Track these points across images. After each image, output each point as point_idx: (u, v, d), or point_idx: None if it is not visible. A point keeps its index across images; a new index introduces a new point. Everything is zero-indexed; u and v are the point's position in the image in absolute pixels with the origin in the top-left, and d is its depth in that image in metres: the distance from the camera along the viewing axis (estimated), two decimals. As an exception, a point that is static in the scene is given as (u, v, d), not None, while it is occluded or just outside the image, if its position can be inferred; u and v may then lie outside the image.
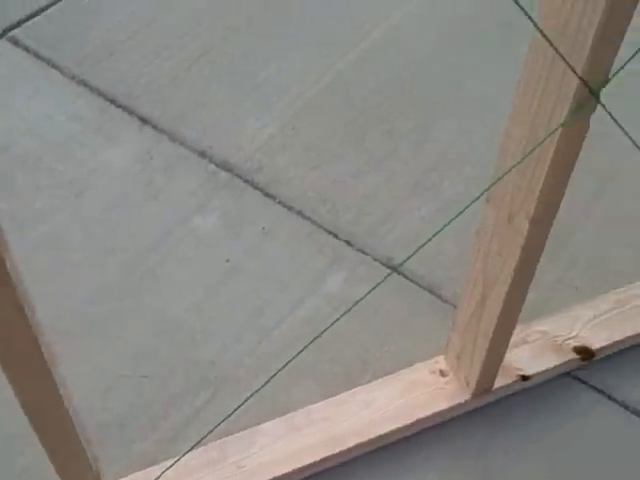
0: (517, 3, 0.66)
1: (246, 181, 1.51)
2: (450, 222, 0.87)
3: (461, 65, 1.74)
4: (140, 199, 1.47)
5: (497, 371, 1.21)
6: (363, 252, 1.43)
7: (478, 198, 0.91)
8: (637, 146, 0.88)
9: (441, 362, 1.26)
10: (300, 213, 1.47)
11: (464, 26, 1.82)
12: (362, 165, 1.56)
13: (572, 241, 1.47)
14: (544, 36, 0.70)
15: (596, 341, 1.32)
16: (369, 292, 0.94)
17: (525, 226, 0.90)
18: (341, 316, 0.95)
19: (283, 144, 1.57)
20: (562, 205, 1.49)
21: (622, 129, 0.84)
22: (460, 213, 0.85)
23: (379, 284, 0.95)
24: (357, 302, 0.96)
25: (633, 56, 0.79)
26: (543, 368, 1.28)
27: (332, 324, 0.95)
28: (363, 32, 1.80)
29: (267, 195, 1.49)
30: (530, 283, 1.02)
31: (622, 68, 0.77)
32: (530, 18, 0.67)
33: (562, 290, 1.42)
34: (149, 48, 1.73)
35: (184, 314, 1.34)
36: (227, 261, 1.40)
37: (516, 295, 1.03)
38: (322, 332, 0.95)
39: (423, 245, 0.89)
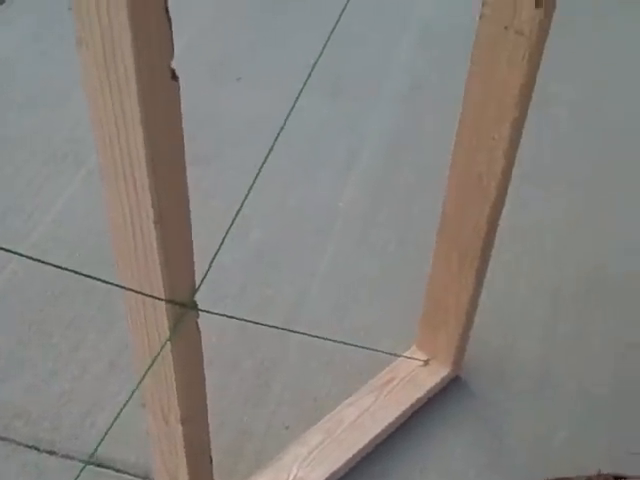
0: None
1: None
2: (126, 404, 0.85)
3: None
4: None
5: None
6: (68, 457, 1.38)
7: (128, 401, 0.90)
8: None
9: None
10: (-6, 435, 1.40)
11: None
12: (52, 364, 1.52)
13: (274, 382, 1.52)
14: (128, 289, 0.72)
15: (315, 478, 1.35)
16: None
17: (179, 427, 0.91)
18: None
19: (-38, 367, 1.50)
20: (259, 348, 1.55)
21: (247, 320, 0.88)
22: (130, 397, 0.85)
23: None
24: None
25: (217, 253, 0.83)
26: (269, 523, 1.29)
27: None
28: (33, 222, 1.78)
29: (-47, 427, 1.41)
30: (211, 471, 1.03)
31: (207, 274, 0.81)
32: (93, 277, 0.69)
33: (275, 433, 1.45)
34: None
35: None
36: None
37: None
38: None
39: (104, 437, 0.88)
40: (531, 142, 1.98)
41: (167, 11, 0.54)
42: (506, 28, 0.99)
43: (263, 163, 0.83)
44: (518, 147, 1.12)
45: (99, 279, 0.71)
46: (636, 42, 2.44)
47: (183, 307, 0.77)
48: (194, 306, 0.79)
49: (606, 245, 1.81)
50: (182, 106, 0.63)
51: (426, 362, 1.51)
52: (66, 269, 0.67)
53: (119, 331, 1.57)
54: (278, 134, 0.81)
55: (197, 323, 0.81)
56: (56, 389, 1.48)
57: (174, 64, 0.58)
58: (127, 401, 0.85)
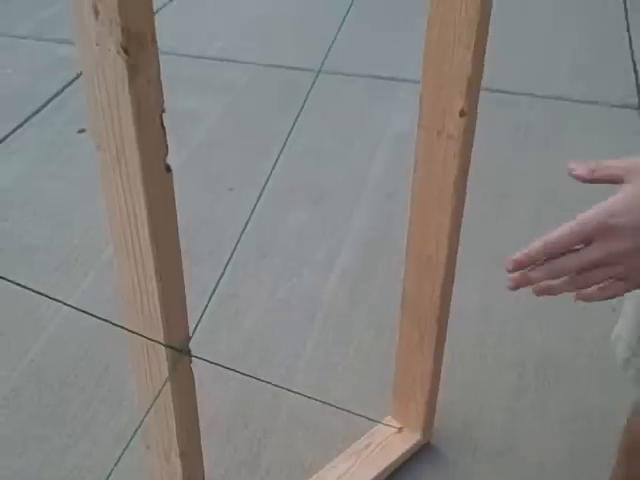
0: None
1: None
2: (131, 440, 1.04)
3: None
4: None
5: None
6: (81, 521, 1.55)
7: (133, 436, 1.09)
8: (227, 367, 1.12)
9: None
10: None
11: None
12: (66, 439, 1.70)
13: (265, 447, 1.70)
14: (136, 333, 0.93)
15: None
16: None
17: (178, 462, 1.10)
18: None
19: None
20: (253, 420, 1.73)
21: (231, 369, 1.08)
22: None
23: None
24: None
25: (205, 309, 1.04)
26: None
27: None
28: (48, 318, 2.00)
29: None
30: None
31: (199, 323, 1.02)
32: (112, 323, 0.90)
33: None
34: None
35: None
36: None
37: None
38: None
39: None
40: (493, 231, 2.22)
41: (162, 123, 0.77)
42: (439, 133, 1.23)
43: (233, 251, 1.05)
44: (460, 231, 1.34)
45: (114, 323, 0.92)
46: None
47: (179, 352, 0.98)
48: (188, 352, 0.99)
49: (559, 327, 2.02)
50: (181, 213, 0.85)
51: (400, 429, 1.69)
52: (105, 320, 0.88)
53: (127, 409, 1.76)
54: (241, 234, 1.04)
55: (191, 367, 1.02)
56: (70, 461, 1.66)
57: (169, 160, 0.81)
58: (132, 437, 1.04)
